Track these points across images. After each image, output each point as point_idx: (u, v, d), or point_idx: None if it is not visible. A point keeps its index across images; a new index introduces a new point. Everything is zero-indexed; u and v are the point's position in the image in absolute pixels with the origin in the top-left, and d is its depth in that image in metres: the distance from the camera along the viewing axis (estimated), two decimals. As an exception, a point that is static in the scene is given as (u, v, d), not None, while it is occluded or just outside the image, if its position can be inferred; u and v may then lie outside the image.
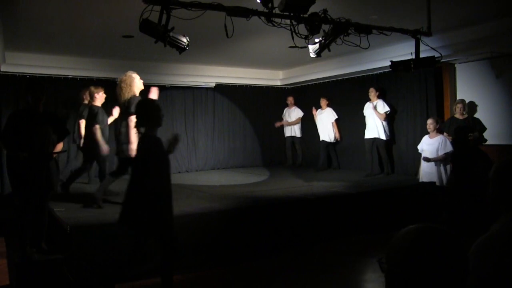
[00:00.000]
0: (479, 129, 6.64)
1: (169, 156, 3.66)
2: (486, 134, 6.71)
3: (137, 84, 5.29)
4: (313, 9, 3.97)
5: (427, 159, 6.11)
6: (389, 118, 7.99)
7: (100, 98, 6.12)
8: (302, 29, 4.06)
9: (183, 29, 3.88)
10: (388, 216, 5.84)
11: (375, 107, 7.86)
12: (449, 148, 6.13)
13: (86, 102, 7.13)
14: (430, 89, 7.59)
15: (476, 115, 6.89)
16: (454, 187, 6.34)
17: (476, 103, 6.99)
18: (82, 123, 6.67)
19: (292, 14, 3.94)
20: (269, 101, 10.49)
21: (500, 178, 1.66)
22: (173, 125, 9.28)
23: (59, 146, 4.45)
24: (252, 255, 4.88)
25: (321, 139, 9.06)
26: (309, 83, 9.95)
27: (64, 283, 3.96)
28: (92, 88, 6.18)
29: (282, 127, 10.09)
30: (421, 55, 4.96)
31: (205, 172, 9.39)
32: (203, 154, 9.74)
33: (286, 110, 10.04)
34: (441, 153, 6.09)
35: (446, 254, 1.12)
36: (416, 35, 4.86)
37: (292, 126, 9.85)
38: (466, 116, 6.70)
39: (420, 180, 6.42)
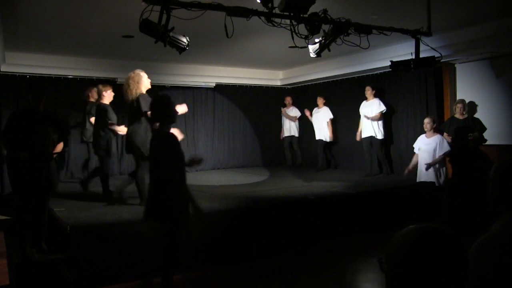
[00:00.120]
0: (479, 129, 6.63)
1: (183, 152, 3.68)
2: (486, 134, 6.71)
3: (144, 83, 5.31)
4: (313, 9, 3.97)
5: (429, 166, 6.08)
6: (385, 118, 7.99)
7: (108, 96, 6.15)
8: (302, 29, 4.06)
9: (183, 29, 3.88)
10: (388, 216, 5.84)
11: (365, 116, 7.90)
12: (446, 148, 6.12)
13: (92, 100, 7.21)
14: (430, 89, 7.59)
15: (476, 115, 6.89)
16: (451, 187, 6.34)
17: (476, 103, 6.99)
18: (92, 119, 6.77)
19: (292, 14, 3.94)
20: (269, 101, 10.49)
21: (500, 178, 1.66)
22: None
23: (60, 146, 4.45)
24: (252, 255, 4.89)
25: (317, 138, 9.05)
26: (309, 83, 9.95)
27: (64, 283, 3.96)
28: (101, 87, 6.23)
29: (279, 127, 10.07)
30: (421, 55, 4.96)
31: (205, 172, 9.38)
32: (203, 154, 9.71)
33: (284, 110, 10.00)
34: (439, 153, 6.08)
35: (446, 254, 1.12)
36: (416, 35, 4.86)
37: (291, 126, 9.82)
38: (466, 116, 6.70)
39: (418, 180, 6.40)
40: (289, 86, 10.61)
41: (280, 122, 10.16)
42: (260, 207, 5.48)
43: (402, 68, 4.99)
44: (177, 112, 3.81)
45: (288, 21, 3.98)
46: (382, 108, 7.78)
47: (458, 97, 7.16)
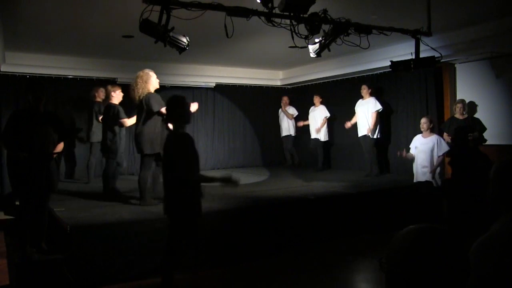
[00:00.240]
0: (479, 129, 6.63)
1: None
2: (486, 134, 6.71)
3: (153, 83, 5.32)
4: (313, 9, 3.97)
5: (434, 171, 6.06)
6: (385, 118, 7.98)
7: (117, 96, 6.21)
8: (302, 29, 4.06)
9: (183, 29, 3.88)
10: (388, 216, 5.84)
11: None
12: (445, 148, 6.12)
13: (99, 100, 7.28)
14: (430, 89, 7.59)
15: (476, 115, 6.90)
16: (451, 187, 6.34)
17: (476, 103, 6.99)
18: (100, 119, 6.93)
19: (292, 14, 3.94)
20: (269, 101, 10.48)
21: (500, 178, 1.66)
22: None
23: (60, 146, 4.45)
24: (252, 255, 4.88)
25: (312, 137, 9.04)
26: (309, 83, 9.95)
27: (64, 283, 3.96)
28: (109, 87, 6.30)
29: (279, 127, 10.06)
30: (421, 55, 4.96)
31: (205, 172, 9.33)
32: (203, 154, 9.72)
33: (281, 110, 9.96)
34: (439, 153, 6.07)
35: (446, 254, 1.12)
36: (416, 35, 4.86)
37: (289, 126, 9.78)
38: (466, 116, 6.70)
39: (415, 181, 6.38)
40: (289, 86, 10.61)
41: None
42: (260, 207, 5.48)
43: (402, 68, 4.99)
44: (191, 112, 3.84)
45: (288, 21, 3.98)
46: (378, 107, 7.73)
47: (458, 97, 7.16)
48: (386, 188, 6.70)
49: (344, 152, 9.27)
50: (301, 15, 4.00)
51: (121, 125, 5.99)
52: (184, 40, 3.88)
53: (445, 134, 6.85)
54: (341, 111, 9.07)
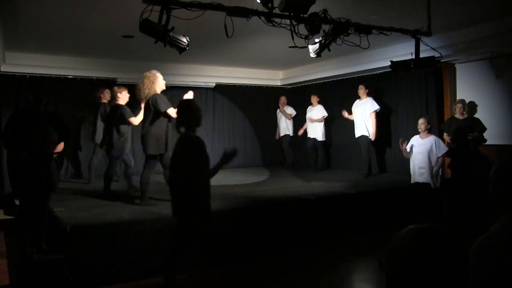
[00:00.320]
0: (479, 129, 6.64)
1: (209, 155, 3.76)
2: (486, 134, 6.71)
3: (159, 83, 5.37)
4: (313, 9, 3.97)
5: (436, 175, 6.04)
6: (383, 118, 7.96)
7: (123, 97, 6.24)
8: (302, 29, 4.06)
9: (183, 29, 3.88)
10: (388, 216, 5.84)
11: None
12: (444, 149, 6.10)
13: (104, 101, 7.32)
14: (430, 89, 7.58)
15: (476, 115, 6.90)
16: (451, 187, 6.33)
17: (476, 103, 6.99)
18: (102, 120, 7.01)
19: (292, 14, 3.94)
20: (269, 101, 10.48)
21: (500, 178, 1.65)
22: (173, 125, 9.29)
23: (60, 146, 4.45)
24: (252, 255, 4.88)
25: (309, 136, 9.01)
26: (309, 83, 9.95)
27: (64, 283, 3.96)
28: (116, 88, 6.34)
29: (276, 127, 10.02)
30: (421, 55, 4.96)
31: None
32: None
33: (279, 110, 9.94)
34: (438, 154, 6.05)
35: (446, 254, 1.12)
36: (416, 35, 4.86)
37: (287, 125, 9.76)
38: (466, 116, 6.70)
39: (412, 181, 6.35)
40: (289, 86, 10.60)
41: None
42: (260, 207, 5.48)
43: (402, 68, 4.98)
44: (202, 116, 3.90)
45: (288, 21, 3.98)
46: (376, 107, 7.69)
47: (458, 97, 7.16)
48: (386, 188, 6.70)
49: (344, 152, 9.27)
50: (301, 15, 4.00)
51: (130, 124, 6.02)
52: (184, 40, 3.88)
53: (445, 134, 6.85)
54: (341, 111, 9.06)
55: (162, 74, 8.91)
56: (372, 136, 7.68)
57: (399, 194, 6.45)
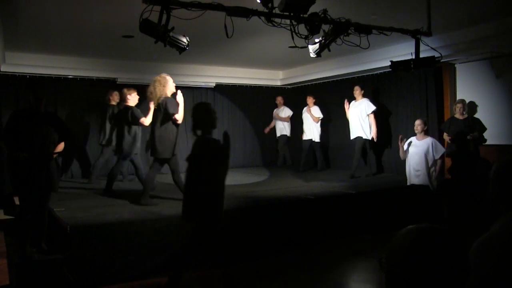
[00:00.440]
0: (479, 129, 6.63)
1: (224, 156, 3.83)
2: (486, 134, 6.71)
3: (170, 86, 5.45)
4: (313, 9, 3.97)
5: (430, 172, 6.01)
6: (382, 118, 7.95)
7: (132, 99, 6.29)
8: (302, 29, 4.06)
9: (183, 29, 3.88)
10: (388, 216, 5.84)
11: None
12: (441, 150, 6.05)
13: (113, 103, 7.42)
14: (430, 89, 7.58)
15: (476, 115, 6.90)
16: (451, 187, 6.31)
17: (476, 103, 6.99)
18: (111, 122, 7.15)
19: (292, 14, 3.94)
20: (269, 101, 10.46)
21: (500, 178, 1.65)
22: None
23: (60, 146, 4.45)
24: (252, 255, 4.88)
25: (305, 138, 8.98)
26: (309, 83, 9.95)
27: (64, 283, 3.96)
28: (125, 90, 6.40)
29: (273, 127, 9.99)
30: (421, 55, 4.95)
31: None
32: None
33: (275, 111, 9.92)
34: (436, 156, 6.00)
35: (446, 254, 1.12)
36: (416, 35, 4.86)
37: (284, 126, 9.74)
38: (466, 116, 6.70)
39: (408, 183, 6.28)
40: (289, 86, 10.60)
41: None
42: (260, 207, 5.48)
43: (402, 68, 4.98)
44: (217, 118, 3.99)
45: (288, 21, 3.97)
46: (372, 108, 7.65)
47: (458, 97, 7.16)
48: (386, 188, 6.70)
49: (344, 152, 9.25)
50: (301, 15, 3.99)
51: (141, 125, 6.07)
52: (184, 40, 3.88)
53: (445, 134, 6.85)
54: (341, 111, 9.03)
55: (162, 74, 8.87)
56: (374, 137, 7.66)
57: (399, 194, 6.45)
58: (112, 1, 4.82)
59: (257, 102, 10.48)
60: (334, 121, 9.30)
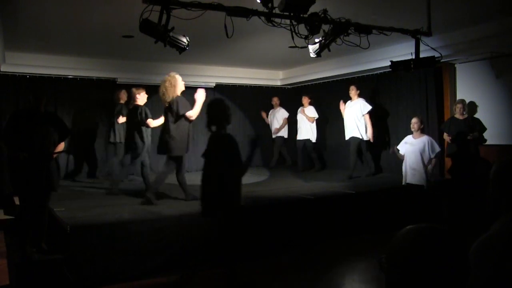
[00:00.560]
0: (479, 129, 6.63)
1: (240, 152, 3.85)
2: (486, 134, 6.71)
3: (180, 86, 5.50)
4: (313, 9, 3.97)
5: (427, 170, 5.98)
6: (382, 118, 7.94)
7: (141, 98, 6.32)
8: (302, 29, 4.06)
9: (183, 29, 3.88)
10: (388, 216, 5.84)
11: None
12: (437, 149, 6.03)
13: (122, 102, 7.55)
14: (430, 89, 7.58)
15: (476, 115, 6.89)
16: (451, 187, 6.31)
17: (476, 103, 6.99)
18: (120, 119, 7.31)
19: (292, 14, 3.94)
20: (269, 101, 10.45)
21: (500, 178, 1.65)
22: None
23: (60, 146, 4.45)
24: (252, 255, 4.88)
25: (299, 138, 8.96)
26: (309, 83, 9.94)
27: (64, 283, 3.96)
28: (134, 89, 6.43)
29: (269, 127, 9.96)
30: (421, 55, 4.95)
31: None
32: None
33: (271, 111, 9.88)
34: (432, 155, 5.98)
35: (446, 254, 1.12)
36: (416, 35, 4.86)
37: (280, 127, 9.69)
38: (466, 116, 6.70)
39: (404, 182, 6.27)
40: (289, 86, 10.60)
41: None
42: (260, 207, 5.48)
43: (402, 68, 4.98)
44: (231, 114, 4.08)
45: (288, 21, 3.97)
46: (368, 108, 7.62)
47: (458, 97, 7.16)
48: (386, 188, 6.69)
49: (344, 153, 9.25)
50: (301, 15, 3.99)
51: (147, 125, 6.10)
52: (184, 40, 3.88)
53: (445, 134, 6.85)
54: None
55: (162, 74, 8.95)
56: (370, 137, 7.64)
57: (399, 194, 6.45)
58: (112, 1, 4.82)
59: (257, 102, 10.47)
60: (335, 121, 9.29)
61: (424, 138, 6.03)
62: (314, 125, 8.92)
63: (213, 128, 3.91)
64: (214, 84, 9.67)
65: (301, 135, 8.97)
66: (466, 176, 6.48)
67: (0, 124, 6.96)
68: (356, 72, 8.44)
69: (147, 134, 6.25)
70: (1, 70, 7.33)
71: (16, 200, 4.44)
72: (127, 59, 8.20)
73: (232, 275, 3.82)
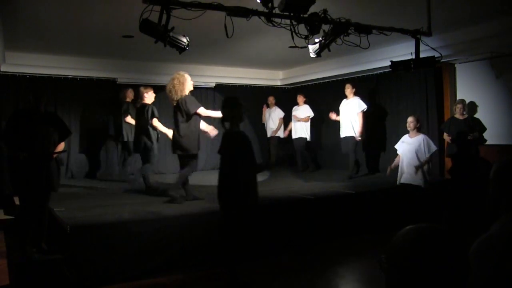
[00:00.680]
0: (479, 129, 6.63)
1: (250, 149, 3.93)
2: (486, 134, 6.70)
3: (188, 84, 5.50)
4: (313, 9, 3.97)
5: (418, 168, 5.93)
6: (380, 118, 7.94)
7: (149, 97, 6.35)
8: (302, 29, 4.06)
9: (183, 29, 3.88)
10: (388, 216, 5.84)
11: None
12: (433, 148, 5.99)
13: (128, 100, 7.62)
14: (430, 89, 7.58)
15: (476, 115, 6.89)
16: (451, 187, 6.30)
17: (476, 103, 6.99)
18: (128, 119, 7.37)
19: (292, 14, 3.94)
20: (269, 101, 10.48)
21: (500, 178, 1.65)
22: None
23: (61, 146, 4.45)
24: (252, 255, 4.88)
25: (294, 137, 8.95)
26: (309, 83, 9.94)
27: (64, 283, 3.96)
28: (142, 89, 6.48)
29: (264, 126, 9.89)
30: (421, 55, 4.95)
31: (205, 172, 9.37)
32: (203, 154, 9.70)
33: (267, 111, 9.84)
34: (427, 154, 5.94)
35: (446, 254, 1.12)
36: (416, 35, 4.86)
37: (275, 127, 9.64)
38: (466, 116, 6.70)
39: (399, 182, 6.23)
40: (289, 86, 10.60)
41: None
42: (260, 207, 5.46)
43: (402, 68, 4.98)
44: (244, 112, 4.09)
45: (288, 21, 3.97)
46: (363, 106, 7.58)
47: (458, 97, 7.16)
48: (386, 188, 6.69)
49: (341, 152, 9.25)
50: (301, 15, 3.99)
51: (151, 124, 6.11)
52: (184, 40, 3.88)
53: (445, 134, 6.85)
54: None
55: (162, 74, 8.97)
56: (358, 135, 7.57)
57: (399, 193, 6.44)
58: (112, 1, 4.82)
59: (257, 102, 10.46)
60: (335, 121, 9.26)
61: (420, 137, 5.98)
62: (308, 124, 8.91)
63: (227, 125, 3.95)
64: (214, 84, 9.68)
65: (296, 134, 8.98)
66: (466, 176, 6.48)
67: (0, 124, 6.97)
68: (356, 72, 8.44)
69: (155, 134, 6.25)
70: (1, 70, 7.33)
71: (16, 200, 4.45)
72: (127, 59, 8.20)
73: (232, 275, 3.82)
